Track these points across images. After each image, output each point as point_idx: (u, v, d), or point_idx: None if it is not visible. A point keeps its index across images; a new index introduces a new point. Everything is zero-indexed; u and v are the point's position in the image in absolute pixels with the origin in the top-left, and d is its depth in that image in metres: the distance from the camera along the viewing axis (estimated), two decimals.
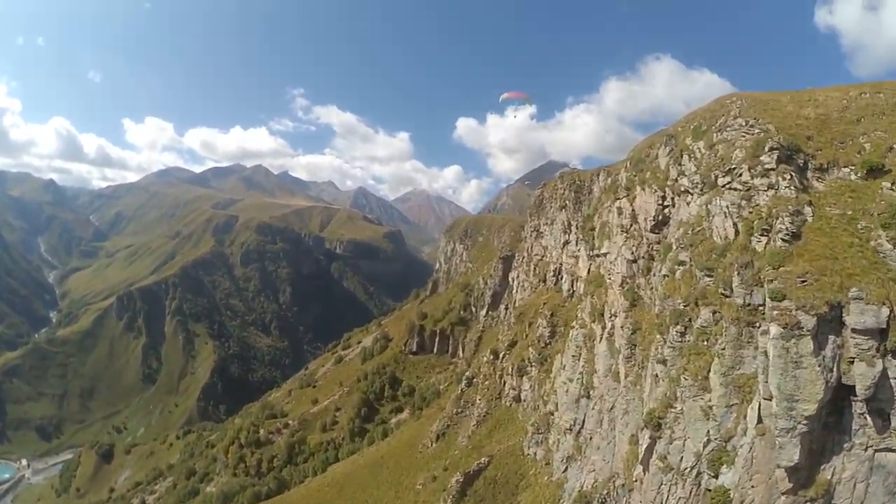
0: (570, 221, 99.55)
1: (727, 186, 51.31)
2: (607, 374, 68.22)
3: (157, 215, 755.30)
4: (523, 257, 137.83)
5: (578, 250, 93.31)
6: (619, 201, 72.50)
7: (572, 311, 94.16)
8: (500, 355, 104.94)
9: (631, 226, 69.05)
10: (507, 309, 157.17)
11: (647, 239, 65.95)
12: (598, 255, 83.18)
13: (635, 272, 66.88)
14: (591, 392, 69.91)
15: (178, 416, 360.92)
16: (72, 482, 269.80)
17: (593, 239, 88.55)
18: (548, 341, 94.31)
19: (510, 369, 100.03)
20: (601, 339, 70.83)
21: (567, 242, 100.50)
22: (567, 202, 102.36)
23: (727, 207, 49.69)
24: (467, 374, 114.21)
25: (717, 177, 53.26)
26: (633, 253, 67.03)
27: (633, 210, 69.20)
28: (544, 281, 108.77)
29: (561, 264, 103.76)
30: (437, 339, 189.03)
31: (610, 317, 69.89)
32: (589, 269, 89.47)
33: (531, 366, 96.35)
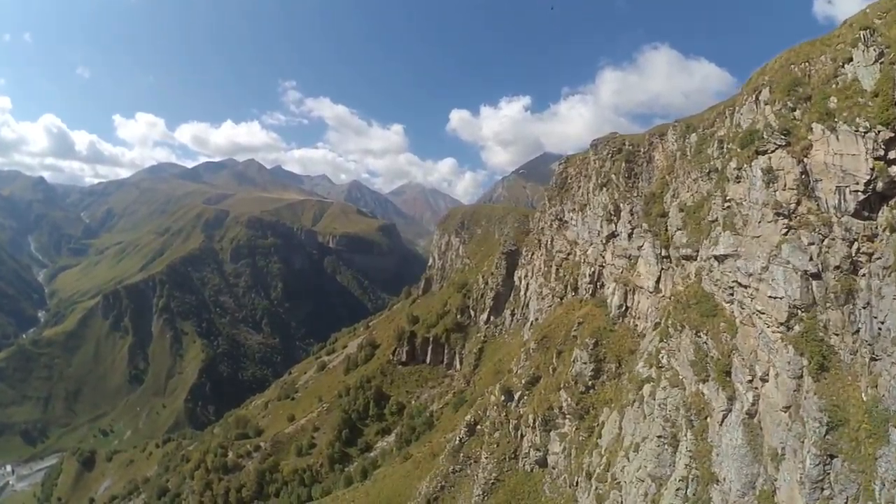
0: (619, 204, 63.49)
1: None
2: (748, 490, 32.65)
3: (148, 212, 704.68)
4: (537, 254, 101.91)
5: (639, 247, 57.43)
6: (762, 158, 36.37)
7: (626, 340, 58.42)
8: (517, 397, 68.68)
9: (797, 205, 33.17)
10: (513, 315, 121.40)
11: (849, 230, 30.13)
12: (687, 258, 47.29)
13: (816, 298, 31.02)
14: None
15: (166, 418, 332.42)
16: (53, 490, 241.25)
17: (666, 230, 52.86)
18: (590, 384, 58.53)
19: (531, 419, 64.17)
20: (726, 419, 35.24)
21: (614, 235, 64.44)
22: (613, 176, 65.97)
23: None
24: (468, 417, 77.53)
25: None
26: (813, 259, 31.22)
27: (803, 174, 33.23)
28: (575, 290, 72.80)
29: (601, 267, 67.87)
30: (429, 348, 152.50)
31: (751, 381, 34.22)
32: (659, 279, 53.62)
33: (564, 418, 60.64)
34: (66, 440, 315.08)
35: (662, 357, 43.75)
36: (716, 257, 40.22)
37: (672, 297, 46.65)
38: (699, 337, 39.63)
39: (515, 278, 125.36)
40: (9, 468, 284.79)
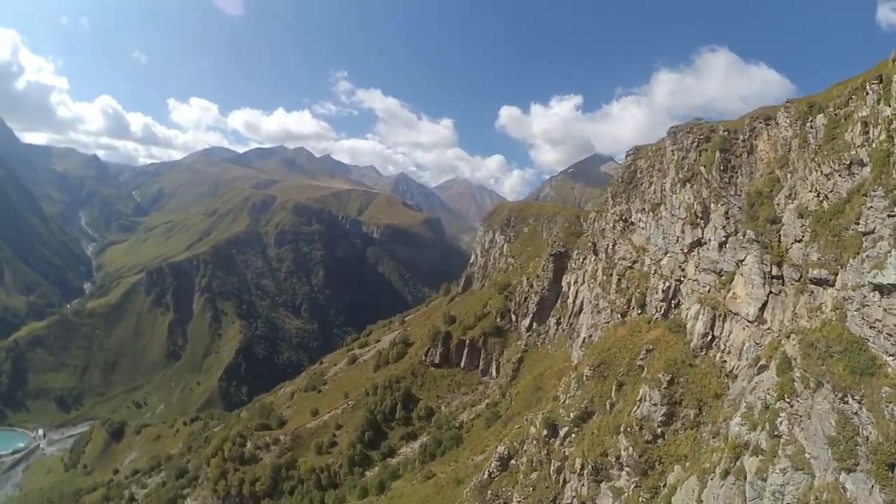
0: (709, 205, 50.26)
1: None
2: None
3: (198, 193, 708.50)
4: (590, 259, 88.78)
5: (739, 261, 44.21)
6: None
7: (710, 380, 45.40)
8: (562, 433, 56.23)
9: None
10: (559, 324, 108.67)
11: None
12: (818, 282, 34.07)
13: None
14: None
15: (199, 396, 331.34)
16: (80, 458, 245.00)
17: (779, 242, 39.74)
18: (659, 431, 45.84)
19: (578, 464, 51.86)
20: None
21: (700, 243, 51.26)
22: (702, 169, 52.50)
23: None
24: (501, 449, 65.41)
25: None
26: None
27: None
28: (642, 307, 59.64)
29: (679, 282, 54.79)
30: (465, 351, 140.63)
31: None
32: (766, 305, 40.52)
33: (621, 469, 48.14)
34: (99, 409, 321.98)
35: (781, 422, 30.85)
36: (877, 287, 27.15)
37: (792, 335, 33.59)
38: (846, 403, 26.76)
39: (563, 284, 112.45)
40: (41, 432, 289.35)
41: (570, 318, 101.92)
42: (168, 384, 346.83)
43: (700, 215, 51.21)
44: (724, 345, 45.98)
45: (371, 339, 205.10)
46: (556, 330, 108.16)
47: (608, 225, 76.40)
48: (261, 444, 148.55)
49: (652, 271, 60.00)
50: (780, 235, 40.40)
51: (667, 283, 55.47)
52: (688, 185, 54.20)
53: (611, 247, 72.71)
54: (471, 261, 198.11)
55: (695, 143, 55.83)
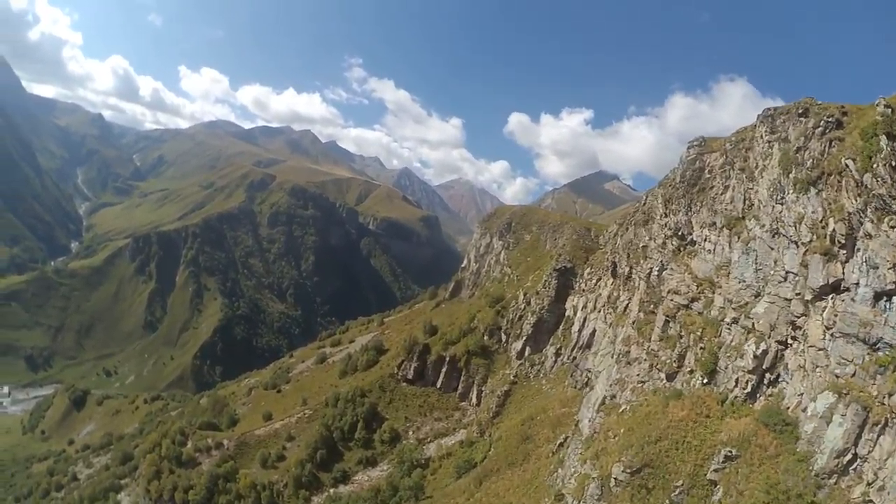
0: (861, 223, 28.70)
1: None
2: None
3: (198, 164, 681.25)
4: (608, 283, 67.13)
5: None
6: None
7: None
8: None
9: None
10: (558, 355, 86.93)
11: None
12: None
13: None
14: None
15: (171, 371, 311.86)
16: (40, 422, 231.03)
17: None
18: None
19: None
20: None
21: (837, 288, 29.43)
22: (849, 163, 30.65)
23: None
24: None
25: None
26: None
27: None
28: (709, 376, 37.60)
29: (786, 345, 32.99)
30: (444, 369, 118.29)
31: None
32: None
33: None
34: (68, 373, 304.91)
35: None
36: None
37: None
38: None
39: (568, 306, 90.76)
40: (6, 390, 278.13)
41: (573, 350, 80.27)
42: (141, 355, 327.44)
43: (841, 241, 29.50)
44: (875, 474, 24.66)
45: (346, 337, 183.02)
46: (555, 362, 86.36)
47: (653, 241, 53.45)
48: (202, 447, 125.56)
49: (728, 320, 37.77)
50: None
51: (761, 346, 33.18)
52: (812, 191, 32.37)
53: (655, 273, 50.01)
54: (463, 265, 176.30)
55: (819, 129, 34.29)
